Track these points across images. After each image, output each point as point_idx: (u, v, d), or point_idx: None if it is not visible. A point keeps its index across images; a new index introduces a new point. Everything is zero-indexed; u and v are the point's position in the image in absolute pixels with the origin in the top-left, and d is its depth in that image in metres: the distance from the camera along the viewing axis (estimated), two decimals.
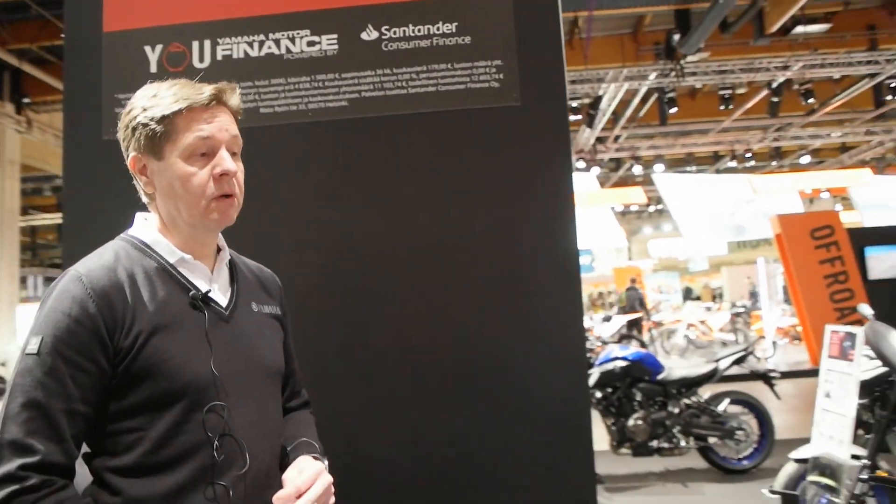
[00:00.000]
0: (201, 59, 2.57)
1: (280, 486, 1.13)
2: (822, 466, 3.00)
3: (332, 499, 1.19)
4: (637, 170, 17.23)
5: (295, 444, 1.27)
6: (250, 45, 2.61)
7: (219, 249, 1.28)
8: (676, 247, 26.46)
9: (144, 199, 1.24)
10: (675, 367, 5.24)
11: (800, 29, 10.48)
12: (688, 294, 27.51)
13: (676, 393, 5.04)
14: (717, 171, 18.10)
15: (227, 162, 1.16)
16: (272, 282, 1.40)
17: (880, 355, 1.50)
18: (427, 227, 2.70)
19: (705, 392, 5.19)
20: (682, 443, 4.91)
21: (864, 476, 2.91)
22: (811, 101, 11.42)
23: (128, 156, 1.20)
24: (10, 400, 1.01)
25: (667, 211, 18.01)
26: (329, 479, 1.18)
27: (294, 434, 1.30)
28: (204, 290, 1.17)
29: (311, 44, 2.67)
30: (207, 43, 2.58)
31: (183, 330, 1.12)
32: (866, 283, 10.06)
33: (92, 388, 1.05)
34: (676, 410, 4.98)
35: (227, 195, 1.17)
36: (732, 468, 4.97)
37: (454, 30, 2.72)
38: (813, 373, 9.52)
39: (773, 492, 3.20)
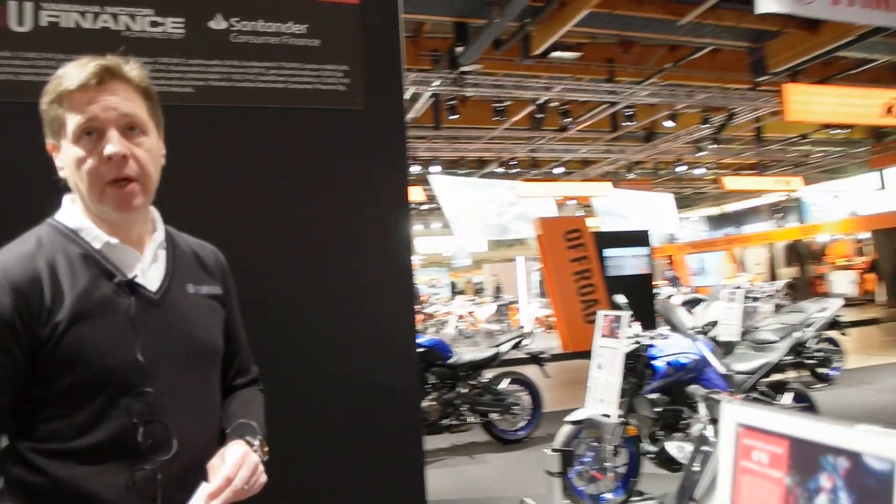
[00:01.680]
0: (20, 22, 2.38)
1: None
2: (592, 425, 3.67)
3: (263, 477, 1.18)
4: (415, 169, 18.13)
5: (232, 426, 1.26)
6: (83, 14, 2.46)
7: (154, 229, 1.24)
8: (441, 244, 28.29)
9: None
10: (464, 351, 5.81)
11: (556, 54, 12.04)
12: (453, 288, 29.48)
13: (465, 375, 5.60)
14: (484, 176, 19.79)
15: (112, 144, 1.10)
16: (213, 259, 1.37)
17: (671, 324, 1.98)
18: (265, 221, 2.78)
19: (488, 373, 5.83)
20: (470, 419, 5.49)
21: (620, 431, 3.64)
22: (567, 119, 13.08)
23: (46, 140, 1.18)
24: None
25: (437, 209, 19.21)
26: (255, 460, 1.16)
27: (233, 415, 1.30)
28: (130, 276, 1.15)
29: (154, 24, 2.61)
30: (28, 5, 2.40)
31: (107, 317, 1.10)
32: (605, 279, 11.86)
33: (7, 380, 1.04)
34: (465, 391, 5.55)
35: (121, 179, 1.12)
36: (510, 439, 5.67)
37: (304, 31, 2.83)
38: (564, 356, 11.04)
39: (553, 450, 3.80)
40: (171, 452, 1.11)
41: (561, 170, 19.77)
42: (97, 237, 1.15)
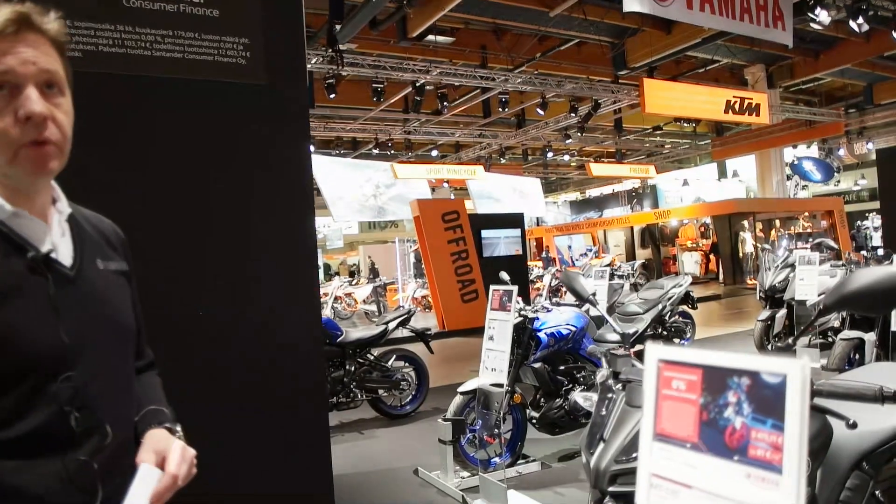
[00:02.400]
0: None
1: (135, 453, 1.09)
2: (483, 394, 3.89)
3: (195, 469, 1.15)
4: None
5: (143, 413, 1.20)
6: None
7: (54, 201, 1.12)
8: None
9: None
10: (352, 330, 5.86)
11: (431, 37, 12.23)
12: (327, 270, 29.11)
13: (353, 353, 5.66)
14: (358, 157, 19.69)
15: (33, 102, 0.97)
16: (114, 234, 1.26)
17: (573, 292, 2.17)
18: (160, 199, 2.69)
19: (376, 351, 5.93)
20: (359, 396, 5.57)
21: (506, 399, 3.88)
22: (445, 103, 13.31)
23: None
24: None
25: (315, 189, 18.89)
26: (192, 453, 1.13)
27: (141, 400, 1.22)
28: (45, 250, 1.03)
29: None
30: None
31: (23, 297, 0.98)
32: (480, 260, 12.29)
33: None
34: (353, 368, 5.61)
35: (39, 142, 1.00)
36: (397, 414, 5.81)
37: (202, 0, 2.75)
38: (442, 335, 11.37)
39: (445, 419, 3.99)
40: (107, 439, 1.04)
41: (435, 153, 20.12)
42: (0, 206, 1.01)
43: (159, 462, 1.08)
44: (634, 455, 1.44)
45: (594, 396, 1.71)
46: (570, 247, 23.17)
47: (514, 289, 3.66)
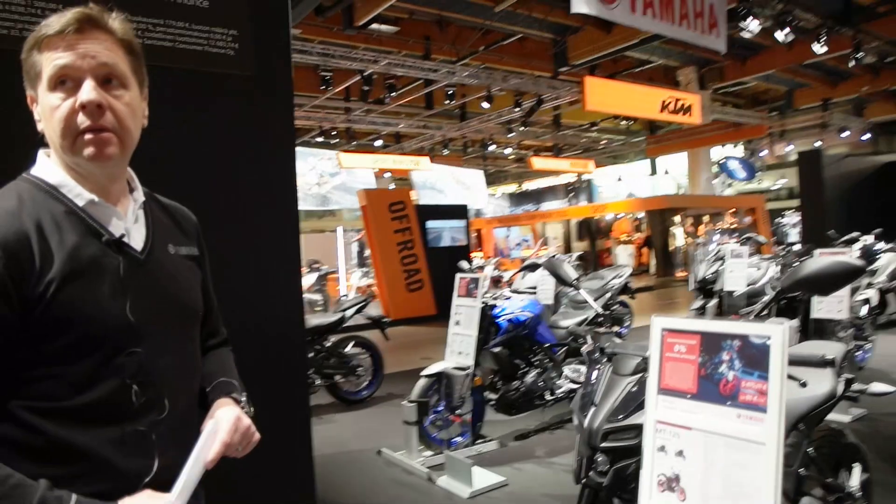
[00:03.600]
0: None
1: (199, 427, 1.15)
2: (447, 377, 4.09)
3: (256, 436, 1.23)
4: None
5: (213, 385, 1.28)
6: None
7: (132, 189, 1.23)
8: None
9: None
10: (310, 317, 5.95)
11: (375, 26, 12.27)
12: None
13: (311, 340, 5.74)
14: (301, 145, 19.50)
15: (87, 92, 1.06)
16: (188, 220, 1.36)
17: (558, 277, 2.36)
18: (148, 182, 2.75)
19: (333, 338, 6.04)
20: (317, 382, 5.67)
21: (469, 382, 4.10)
22: (393, 93, 13.38)
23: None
24: None
25: None
26: (247, 423, 1.20)
27: (213, 374, 1.32)
28: (118, 235, 1.13)
29: None
30: None
31: (97, 276, 1.07)
32: (426, 250, 12.47)
33: None
34: (311, 355, 5.70)
35: (96, 129, 1.08)
36: (354, 399, 5.95)
37: None
38: (388, 323, 11.49)
39: (410, 402, 4.17)
40: (164, 412, 1.11)
41: (379, 143, 20.15)
42: (80, 194, 1.11)
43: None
44: (621, 416, 1.67)
45: (582, 368, 1.93)
46: (507, 237, 23.72)
47: (481, 276, 3.88)
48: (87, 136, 1.07)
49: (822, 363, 1.51)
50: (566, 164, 22.46)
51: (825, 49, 11.49)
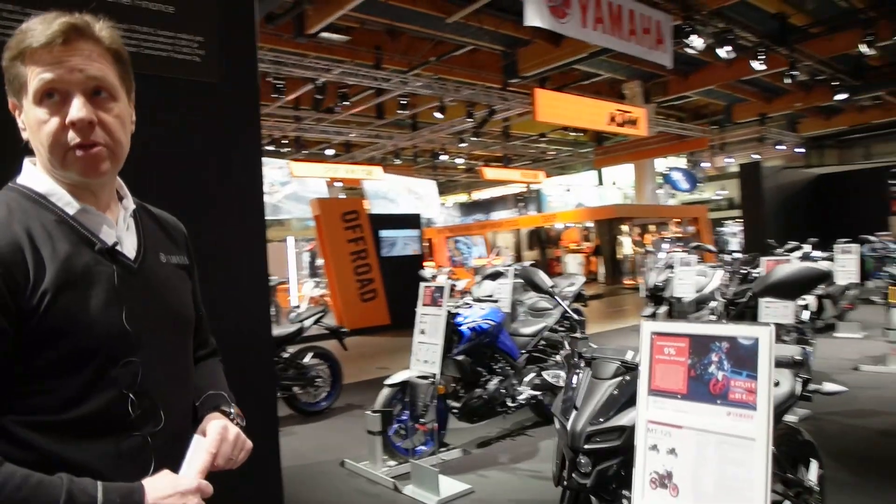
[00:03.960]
0: None
1: (190, 440, 1.13)
2: (412, 386, 4.09)
3: (248, 444, 1.21)
4: None
5: (203, 399, 1.27)
6: None
7: (121, 198, 1.20)
8: None
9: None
10: None
11: (326, 35, 12.23)
12: None
13: None
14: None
15: (76, 109, 1.03)
16: (178, 230, 1.35)
17: (533, 286, 2.39)
18: None
19: (291, 348, 5.95)
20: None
21: (433, 391, 4.11)
22: (345, 102, 13.33)
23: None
24: None
25: None
26: (235, 431, 1.18)
27: (203, 388, 1.29)
28: (110, 243, 1.10)
29: None
30: None
31: (91, 285, 1.05)
32: (379, 259, 12.43)
33: None
34: None
35: (87, 146, 1.05)
36: (312, 410, 5.87)
37: None
38: (346, 333, 11.36)
39: (374, 411, 4.15)
40: (160, 424, 1.09)
41: (331, 151, 20.01)
42: (69, 203, 1.09)
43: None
44: (603, 419, 1.71)
45: (562, 373, 1.97)
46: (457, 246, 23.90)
47: (446, 286, 3.90)
48: (79, 153, 1.05)
49: (793, 364, 1.59)
50: (517, 174, 22.78)
51: (763, 67, 12.02)
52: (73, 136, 1.04)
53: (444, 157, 21.27)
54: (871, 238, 8.38)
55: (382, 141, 18.97)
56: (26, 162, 1.14)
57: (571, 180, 27.84)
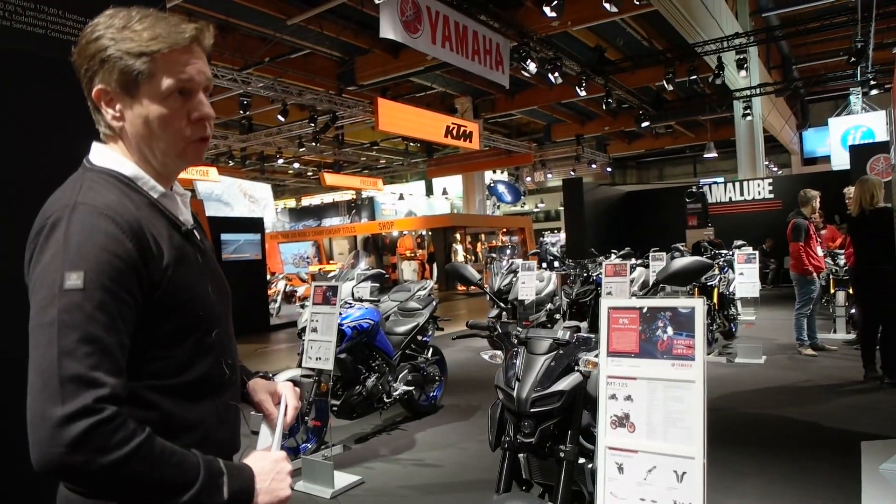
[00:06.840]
0: None
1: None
2: (296, 384, 4.16)
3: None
4: None
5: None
6: None
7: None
8: None
9: (105, 131, 1.16)
10: None
11: None
12: None
13: None
14: None
15: (206, 107, 1.16)
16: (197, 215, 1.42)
17: (462, 279, 2.61)
18: (21, 175, 2.53)
19: None
20: None
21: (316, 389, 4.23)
22: None
23: (93, 86, 1.11)
24: (61, 336, 0.96)
25: None
26: (297, 391, 1.39)
27: None
28: (189, 225, 1.20)
29: None
30: None
31: (188, 263, 1.15)
32: (220, 263, 11.92)
33: (132, 322, 1.04)
34: None
35: (206, 138, 1.18)
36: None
37: None
38: None
39: (256, 411, 4.14)
40: (237, 388, 1.25)
41: None
42: (154, 187, 1.16)
43: (276, 400, 1.36)
44: (542, 387, 2.03)
45: (499, 353, 2.26)
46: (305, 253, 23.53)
47: (339, 286, 4.05)
48: (196, 146, 1.17)
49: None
50: (357, 181, 22.93)
51: (584, 93, 13.43)
52: (196, 131, 1.15)
53: (280, 161, 20.83)
54: (681, 247, 9.86)
55: (216, 141, 18.16)
56: (100, 147, 1.18)
57: (402, 189, 28.55)
